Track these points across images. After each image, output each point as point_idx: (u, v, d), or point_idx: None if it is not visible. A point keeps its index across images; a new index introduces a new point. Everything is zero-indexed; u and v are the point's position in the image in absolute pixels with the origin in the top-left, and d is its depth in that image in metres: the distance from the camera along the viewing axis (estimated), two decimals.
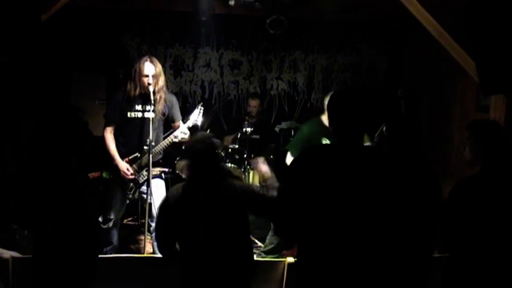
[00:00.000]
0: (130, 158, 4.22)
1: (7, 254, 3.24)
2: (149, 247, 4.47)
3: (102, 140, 4.30)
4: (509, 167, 2.61)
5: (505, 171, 2.60)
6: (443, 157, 5.35)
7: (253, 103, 6.08)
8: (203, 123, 4.56)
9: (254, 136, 5.76)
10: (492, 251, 2.54)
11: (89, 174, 5.22)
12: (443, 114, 5.59)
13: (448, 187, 2.68)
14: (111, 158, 4.22)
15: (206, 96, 6.59)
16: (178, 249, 3.03)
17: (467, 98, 5.07)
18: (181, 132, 4.22)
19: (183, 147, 4.30)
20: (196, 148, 2.96)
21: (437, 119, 5.69)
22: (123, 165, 4.20)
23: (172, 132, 4.27)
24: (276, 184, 2.96)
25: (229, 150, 5.60)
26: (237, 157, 5.57)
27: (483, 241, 2.54)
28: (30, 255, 2.70)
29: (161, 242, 3.15)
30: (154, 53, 6.30)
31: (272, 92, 6.74)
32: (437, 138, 5.55)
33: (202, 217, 2.83)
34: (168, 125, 4.42)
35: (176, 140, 4.23)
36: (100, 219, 4.29)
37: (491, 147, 2.62)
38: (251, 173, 5.49)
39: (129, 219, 5.78)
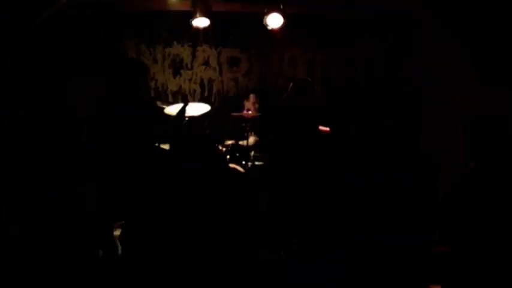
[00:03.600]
0: None
1: None
2: None
3: None
4: (505, 161, 2.59)
5: (501, 166, 2.59)
6: (442, 153, 5.33)
7: (248, 104, 6.05)
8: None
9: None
10: (489, 245, 2.54)
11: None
12: (442, 110, 5.56)
13: (447, 182, 2.68)
14: None
15: (206, 94, 6.58)
16: None
17: (467, 94, 5.04)
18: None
19: None
20: None
21: (437, 115, 5.66)
22: None
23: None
24: None
25: (229, 148, 5.59)
26: (237, 154, 5.57)
27: (481, 235, 2.54)
28: None
29: None
30: (152, 53, 6.32)
31: (272, 89, 6.72)
32: (436, 134, 5.52)
33: None
34: None
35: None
36: None
37: (485, 142, 2.61)
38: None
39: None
